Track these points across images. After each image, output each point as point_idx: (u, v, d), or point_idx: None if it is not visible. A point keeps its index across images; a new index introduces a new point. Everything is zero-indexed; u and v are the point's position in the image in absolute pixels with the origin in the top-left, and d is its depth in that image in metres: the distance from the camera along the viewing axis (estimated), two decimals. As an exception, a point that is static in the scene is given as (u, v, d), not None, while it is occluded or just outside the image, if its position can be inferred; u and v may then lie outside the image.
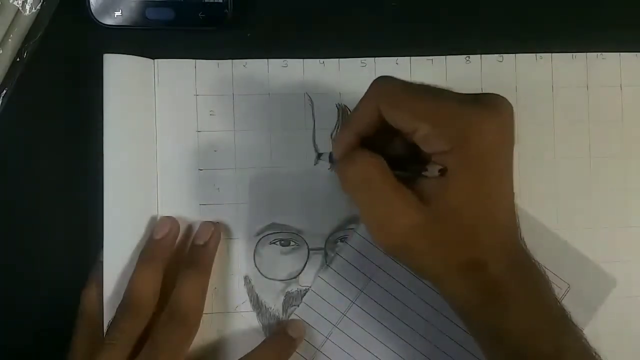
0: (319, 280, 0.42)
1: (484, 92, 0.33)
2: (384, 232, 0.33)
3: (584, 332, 0.33)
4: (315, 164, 0.42)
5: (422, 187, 0.32)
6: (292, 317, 0.42)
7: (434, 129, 0.31)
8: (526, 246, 0.34)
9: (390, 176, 0.32)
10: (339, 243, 0.42)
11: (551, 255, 0.42)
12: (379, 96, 0.33)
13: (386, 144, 0.34)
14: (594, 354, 0.33)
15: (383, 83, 0.33)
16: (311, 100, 0.42)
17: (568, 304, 0.41)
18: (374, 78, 0.33)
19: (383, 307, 0.42)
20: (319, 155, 0.42)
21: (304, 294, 0.42)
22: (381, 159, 0.33)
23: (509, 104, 0.32)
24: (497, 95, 0.32)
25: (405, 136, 0.33)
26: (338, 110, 0.42)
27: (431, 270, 0.34)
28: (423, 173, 0.32)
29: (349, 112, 0.42)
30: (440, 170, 0.31)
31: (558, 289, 0.42)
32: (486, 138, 0.31)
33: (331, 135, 0.42)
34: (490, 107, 0.31)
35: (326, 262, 0.42)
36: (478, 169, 0.31)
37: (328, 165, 0.39)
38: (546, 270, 0.42)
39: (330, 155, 0.37)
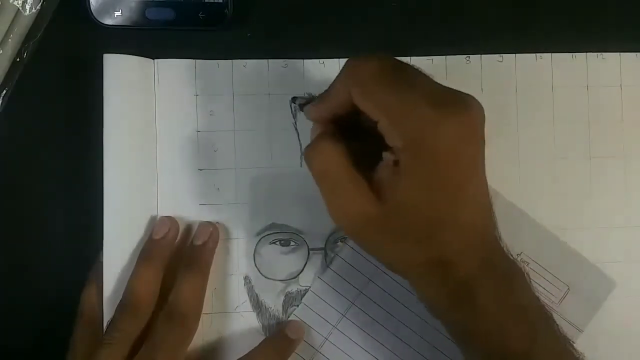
0: (318, 281, 0.42)
1: (459, 90, 0.32)
2: (342, 221, 0.33)
3: (584, 333, 0.33)
4: (300, 164, 0.42)
5: (378, 179, 0.32)
6: (292, 317, 0.42)
7: (390, 124, 0.31)
8: (502, 243, 0.34)
9: (348, 167, 0.32)
10: (339, 243, 0.42)
11: (551, 256, 0.42)
12: (349, 81, 0.32)
13: (364, 121, 0.34)
14: (575, 354, 0.33)
15: (356, 66, 0.33)
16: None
17: (567, 305, 0.41)
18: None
19: (382, 308, 0.42)
20: (294, 99, 0.41)
21: (304, 294, 0.42)
22: (340, 147, 0.33)
23: (478, 105, 0.32)
24: (467, 97, 0.32)
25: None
26: (291, 105, 0.42)
27: (397, 266, 0.34)
28: (383, 153, 0.32)
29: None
30: (394, 162, 0.31)
31: (557, 291, 0.42)
32: (442, 137, 0.31)
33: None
34: (455, 107, 0.31)
35: (326, 262, 0.42)
36: (431, 167, 0.31)
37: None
38: (546, 271, 0.42)
39: (300, 103, 0.37)
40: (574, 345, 0.34)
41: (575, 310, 0.42)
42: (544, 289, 0.42)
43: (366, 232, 0.33)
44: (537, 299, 0.34)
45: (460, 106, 0.31)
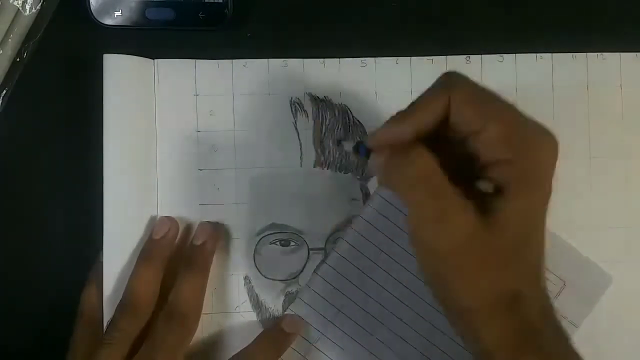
0: (314, 277, 0.42)
1: None
2: (439, 234, 0.29)
3: (580, 329, 0.33)
4: (300, 164, 0.41)
5: (479, 199, 0.29)
6: (287, 312, 0.42)
7: (503, 132, 0.29)
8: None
9: (447, 177, 0.29)
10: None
11: (547, 251, 0.42)
12: (452, 86, 0.30)
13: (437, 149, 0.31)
14: None
15: (455, 75, 0.31)
16: (311, 100, 0.42)
17: (564, 301, 0.41)
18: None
19: (379, 304, 0.41)
20: (339, 143, 0.39)
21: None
22: (437, 158, 0.30)
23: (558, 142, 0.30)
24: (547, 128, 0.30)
25: (466, 137, 0.30)
26: (291, 106, 0.42)
27: (466, 299, 0.30)
28: (477, 183, 0.30)
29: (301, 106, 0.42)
30: (495, 187, 0.29)
31: (553, 286, 0.42)
32: (544, 155, 0.29)
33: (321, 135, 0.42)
34: (548, 131, 0.30)
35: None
36: (536, 188, 0.29)
37: (338, 160, 0.38)
38: None
39: (358, 146, 0.33)
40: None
41: (571, 306, 0.42)
42: None
43: (462, 253, 0.29)
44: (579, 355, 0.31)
45: (551, 133, 0.30)
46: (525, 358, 0.29)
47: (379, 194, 0.41)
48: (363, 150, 0.32)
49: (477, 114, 0.29)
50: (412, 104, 0.31)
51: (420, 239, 0.30)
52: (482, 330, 0.30)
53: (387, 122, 0.31)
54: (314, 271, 0.42)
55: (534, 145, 0.29)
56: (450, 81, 0.30)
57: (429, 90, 0.31)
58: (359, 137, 0.42)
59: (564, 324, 0.39)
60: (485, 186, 0.30)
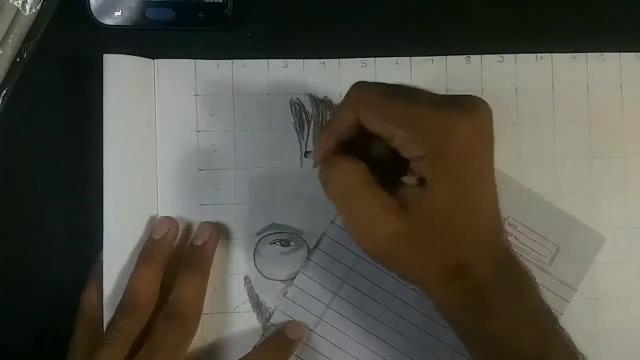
0: (300, 275, 0.42)
1: (466, 93, 0.32)
2: (366, 239, 0.33)
3: (584, 333, 0.33)
4: (300, 164, 0.42)
5: (402, 192, 0.32)
6: (276, 313, 0.42)
7: (410, 134, 0.31)
8: (511, 248, 0.34)
9: (370, 183, 0.32)
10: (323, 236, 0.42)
11: (537, 218, 0.42)
12: (356, 103, 0.33)
13: (368, 147, 0.34)
14: (579, 356, 0.33)
15: (360, 89, 0.33)
16: (311, 100, 0.42)
17: (558, 265, 0.42)
18: (354, 82, 0.33)
19: (366, 295, 0.41)
20: (306, 154, 0.42)
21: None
22: (362, 166, 0.33)
23: (485, 104, 0.32)
24: (472, 97, 0.32)
25: (385, 141, 0.33)
26: (291, 106, 0.42)
27: (415, 276, 0.34)
28: (402, 179, 0.32)
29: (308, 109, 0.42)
30: (418, 180, 0.32)
31: (547, 251, 0.42)
32: (462, 141, 0.31)
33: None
34: (464, 109, 0.31)
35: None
36: (455, 173, 0.31)
37: (312, 163, 0.39)
38: (534, 233, 0.42)
39: (306, 155, 0.38)
40: (578, 346, 0.34)
41: (567, 270, 0.42)
42: (534, 250, 0.42)
43: (393, 248, 0.32)
44: (546, 303, 0.34)
45: (472, 106, 0.32)
46: (473, 318, 0.32)
47: None
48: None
49: (383, 125, 0.32)
50: (330, 120, 0.35)
51: (356, 240, 0.33)
52: (436, 296, 0.33)
53: (318, 136, 0.36)
54: (300, 271, 0.42)
55: (446, 135, 0.31)
56: (354, 98, 0.33)
57: (339, 107, 0.34)
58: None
59: (562, 288, 0.42)
60: (409, 180, 0.32)
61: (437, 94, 0.33)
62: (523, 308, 0.33)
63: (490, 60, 0.43)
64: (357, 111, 0.32)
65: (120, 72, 0.40)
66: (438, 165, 0.31)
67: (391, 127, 0.31)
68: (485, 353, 0.33)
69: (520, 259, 0.34)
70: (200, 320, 0.39)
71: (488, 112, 0.32)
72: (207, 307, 0.40)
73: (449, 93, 0.43)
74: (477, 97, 0.32)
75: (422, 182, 0.32)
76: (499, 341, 0.32)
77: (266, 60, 0.42)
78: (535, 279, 0.34)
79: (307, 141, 0.42)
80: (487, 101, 0.32)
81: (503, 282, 0.32)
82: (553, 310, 0.34)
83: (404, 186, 0.32)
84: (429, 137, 0.31)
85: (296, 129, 0.42)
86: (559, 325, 0.34)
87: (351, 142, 0.34)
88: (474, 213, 0.32)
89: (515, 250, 0.34)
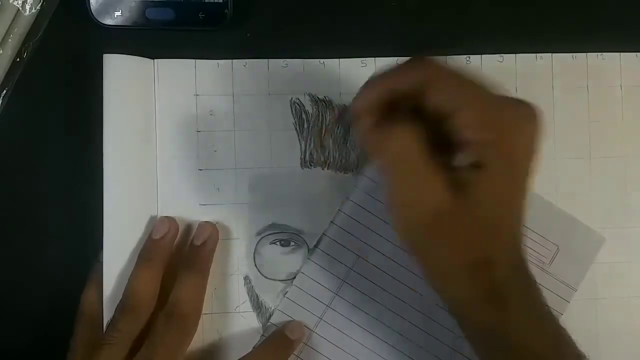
0: (300, 275, 0.42)
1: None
2: (410, 207, 0.31)
3: (585, 333, 0.33)
4: (301, 164, 0.41)
5: (458, 172, 0.31)
6: (276, 313, 0.42)
7: (482, 116, 0.30)
8: (526, 252, 0.34)
9: (428, 154, 0.31)
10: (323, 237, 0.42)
11: (538, 218, 0.42)
12: (428, 66, 0.31)
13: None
14: (583, 358, 0.33)
15: (430, 57, 0.31)
16: (311, 100, 0.42)
17: (559, 265, 0.42)
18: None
19: (366, 295, 0.41)
20: (341, 116, 0.40)
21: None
22: (420, 133, 0.31)
23: (542, 114, 0.31)
24: (531, 104, 0.32)
25: (440, 118, 0.31)
26: (291, 106, 0.42)
27: (441, 266, 0.32)
28: (457, 156, 0.31)
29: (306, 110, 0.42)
30: (472, 163, 0.31)
31: (547, 251, 0.42)
32: (524, 137, 0.31)
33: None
34: (529, 110, 0.31)
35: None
36: (512, 166, 0.31)
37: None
38: (534, 233, 0.42)
39: (343, 112, 0.37)
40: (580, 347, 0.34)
41: (567, 270, 0.42)
42: (534, 250, 0.42)
43: (435, 223, 0.31)
44: (549, 307, 0.34)
45: (535, 111, 0.31)
46: (492, 310, 0.32)
47: (366, 176, 0.41)
48: (345, 116, 0.35)
49: (454, 97, 0.30)
50: (387, 71, 0.32)
51: (396, 212, 0.32)
52: (454, 291, 0.33)
53: (365, 84, 0.32)
54: (300, 271, 0.42)
55: (511, 129, 0.30)
56: (425, 61, 0.31)
57: (407, 62, 0.32)
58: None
59: (561, 288, 0.42)
60: (460, 161, 0.31)
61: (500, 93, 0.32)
62: (534, 309, 0.33)
63: (490, 60, 0.43)
64: (428, 74, 0.30)
65: (120, 72, 0.40)
66: (504, 155, 0.30)
67: (462, 103, 0.30)
68: (499, 352, 0.33)
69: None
70: (200, 320, 0.39)
71: (541, 119, 0.32)
72: (207, 307, 0.40)
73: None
74: (535, 104, 0.32)
75: (475, 166, 0.30)
76: (514, 340, 0.32)
77: (266, 60, 0.42)
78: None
79: (307, 141, 0.42)
80: None
81: (518, 283, 0.32)
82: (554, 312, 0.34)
83: (457, 168, 0.31)
84: (498, 122, 0.30)
85: (296, 129, 0.42)
86: (564, 328, 0.34)
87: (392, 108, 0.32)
88: (516, 211, 0.32)
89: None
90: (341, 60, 0.43)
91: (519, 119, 0.31)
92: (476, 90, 0.31)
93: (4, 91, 0.41)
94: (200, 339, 0.41)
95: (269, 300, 0.42)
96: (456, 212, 0.31)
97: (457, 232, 0.31)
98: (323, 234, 0.42)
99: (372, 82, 0.32)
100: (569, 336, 0.34)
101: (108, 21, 0.41)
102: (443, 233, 0.31)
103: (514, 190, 0.32)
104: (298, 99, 0.42)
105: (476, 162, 0.31)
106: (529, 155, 0.31)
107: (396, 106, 0.32)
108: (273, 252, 0.42)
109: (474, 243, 0.31)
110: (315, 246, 0.42)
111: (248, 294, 0.42)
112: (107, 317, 0.39)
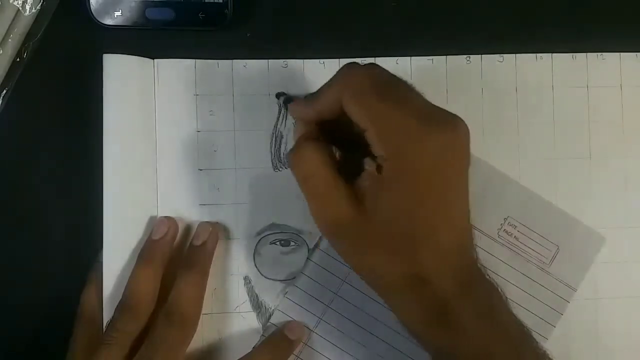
0: (300, 276, 0.42)
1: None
2: (322, 225, 0.34)
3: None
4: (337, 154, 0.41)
5: (361, 186, 0.33)
6: (276, 313, 0.42)
7: (377, 133, 0.32)
8: (479, 264, 0.34)
9: (331, 172, 0.33)
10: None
11: (537, 218, 0.42)
12: (344, 87, 0.33)
13: (349, 124, 0.34)
14: None
15: (353, 72, 0.33)
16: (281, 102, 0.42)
17: (559, 265, 0.42)
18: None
19: (366, 296, 0.41)
20: (278, 95, 0.42)
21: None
22: (325, 153, 0.34)
23: (463, 124, 0.32)
24: (452, 115, 0.33)
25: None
26: (279, 105, 0.42)
27: (371, 276, 0.34)
28: (364, 160, 0.33)
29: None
30: (377, 169, 0.32)
31: (547, 251, 0.42)
32: (426, 152, 0.31)
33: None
34: (439, 124, 0.32)
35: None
36: (412, 181, 0.32)
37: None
38: (534, 233, 0.42)
39: (286, 100, 0.40)
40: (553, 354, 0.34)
41: (567, 270, 0.42)
42: (534, 250, 0.42)
43: (344, 236, 0.33)
44: (516, 317, 0.34)
45: (446, 124, 0.32)
46: (438, 337, 0.32)
47: None
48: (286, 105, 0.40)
49: (360, 117, 0.32)
50: (316, 92, 0.35)
51: (315, 222, 0.34)
52: (394, 308, 0.34)
53: (300, 100, 0.37)
54: (301, 272, 0.42)
55: (411, 144, 0.31)
56: (343, 81, 0.33)
57: (328, 82, 0.34)
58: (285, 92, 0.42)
59: (561, 288, 0.42)
60: (369, 164, 0.33)
61: (426, 104, 0.33)
62: (492, 326, 0.32)
63: (490, 60, 0.43)
64: (342, 95, 0.33)
65: (120, 72, 0.40)
66: (396, 169, 0.31)
67: (365, 120, 0.32)
68: None
69: (487, 271, 0.34)
70: (200, 320, 0.39)
71: (464, 133, 0.33)
72: (207, 307, 0.40)
73: (449, 93, 0.43)
74: (458, 117, 0.33)
75: (379, 171, 0.32)
76: (468, 359, 0.32)
77: (266, 60, 0.42)
78: (503, 292, 0.34)
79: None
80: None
81: (469, 301, 0.32)
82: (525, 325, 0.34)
83: (364, 178, 0.33)
84: (394, 141, 0.31)
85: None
86: (532, 338, 0.34)
87: (332, 120, 0.34)
88: (431, 227, 0.32)
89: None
90: (341, 60, 0.43)
91: (420, 135, 0.31)
92: (380, 110, 0.32)
93: (4, 91, 0.41)
94: (200, 339, 0.41)
95: (269, 301, 0.42)
96: (359, 221, 0.32)
97: (371, 243, 0.32)
98: (315, 246, 0.42)
99: (302, 106, 0.36)
100: (539, 349, 0.33)
101: (108, 21, 0.41)
102: (357, 242, 0.33)
103: (414, 200, 0.32)
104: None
105: (379, 166, 0.32)
106: (435, 169, 0.32)
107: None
108: (273, 252, 0.42)
109: (394, 257, 0.32)
110: (315, 246, 0.42)
111: (248, 294, 0.42)
112: (107, 317, 0.39)
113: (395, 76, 0.34)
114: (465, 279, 0.33)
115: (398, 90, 0.33)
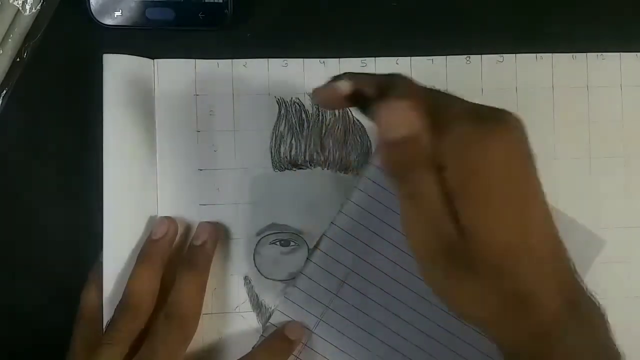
0: (300, 276, 0.42)
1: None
2: (428, 248, 0.29)
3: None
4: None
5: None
6: (275, 313, 0.42)
7: (435, 140, 0.27)
8: (583, 281, 0.30)
9: (438, 193, 0.28)
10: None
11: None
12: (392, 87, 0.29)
13: None
14: None
15: (402, 79, 0.30)
16: (300, 102, 0.42)
17: None
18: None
19: (366, 296, 0.41)
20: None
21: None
22: (434, 177, 0.28)
23: (517, 119, 0.29)
24: (502, 111, 0.29)
25: None
26: (279, 105, 0.42)
27: (471, 308, 0.29)
28: None
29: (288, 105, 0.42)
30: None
31: None
32: (489, 155, 0.27)
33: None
34: (495, 120, 0.28)
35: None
36: (483, 190, 0.27)
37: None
38: None
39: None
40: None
41: None
42: None
43: (446, 264, 0.28)
44: (614, 341, 0.31)
45: (500, 120, 0.28)
46: (542, 357, 0.29)
47: (366, 177, 0.41)
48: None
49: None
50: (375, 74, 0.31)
51: (420, 251, 0.29)
52: (497, 338, 0.29)
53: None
54: (301, 272, 0.42)
55: (470, 149, 0.27)
56: (395, 81, 0.29)
57: (385, 74, 0.30)
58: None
59: None
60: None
61: (470, 103, 0.29)
62: (594, 352, 0.29)
63: (490, 60, 0.43)
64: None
65: (120, 72, 0.40)
66: (463, 181, 0.27)
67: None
68: None
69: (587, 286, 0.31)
70: (200, 320, 0.39)
71: (521, 127, 0.29)
72: (206, 307, 0.40)
73: (449, 93, 0.43)
74: (507, 111, 0.29)
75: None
76: None
77: (266, 60, 0.42)
78: (606, 316, 0.31)
79: (307, 141, 0.42)
80: (487, 101, 0.30)
81: (575, 324, 0.29)
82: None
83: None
84: (453, 149, 0.27)
85: (296, 128, 0.42)
86: None
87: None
88: (521, 234, 0.28)
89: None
90: (341, 60, 0.43)
91: (480, 134, 0.28)
92: (430, 106, 0.28)
93: (4, 91, 0.41)
94: (200, 339, 0.41)
95: (269, 300, 0.42)
96: (462, 244, 0.28)
97: (465, 268, 0.28)
98: (323, 234, 0.42)
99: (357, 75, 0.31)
100: None
101: (108, 21, 0.41)
102: (456, 269, 0.28)
103: (497, 212, 0.27)
104: (298, 98, 0.42)
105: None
106: (503, 170, 0.28)
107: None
108: (273, 252, 0.42)
109: (488, 279, 0.28)
110: (316, 247, 0.42)
111: (248, 294, 0.42)
112: (107, 317, 0.39)
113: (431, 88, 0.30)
114: (570, 296, 0.29)
115: (439, 93, 0.30)
